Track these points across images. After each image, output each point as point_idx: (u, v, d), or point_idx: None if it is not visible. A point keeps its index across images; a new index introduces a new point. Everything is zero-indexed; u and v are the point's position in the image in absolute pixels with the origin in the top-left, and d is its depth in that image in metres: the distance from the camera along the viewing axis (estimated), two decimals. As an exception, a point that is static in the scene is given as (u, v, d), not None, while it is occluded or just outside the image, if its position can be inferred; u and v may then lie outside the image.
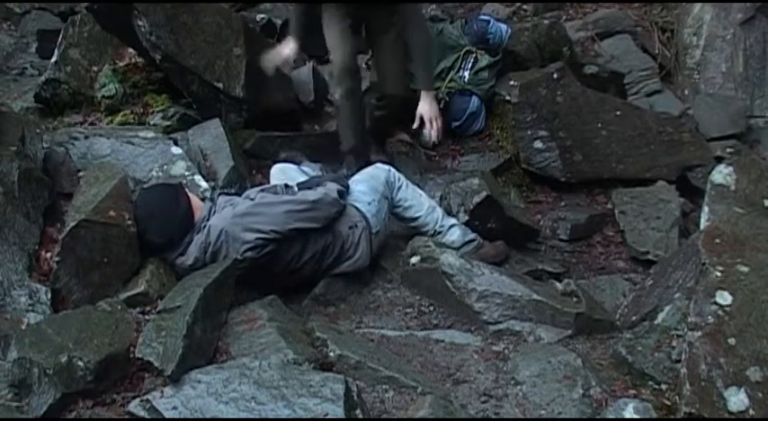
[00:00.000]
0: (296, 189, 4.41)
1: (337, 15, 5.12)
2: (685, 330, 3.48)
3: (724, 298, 3.46)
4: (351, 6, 5.12)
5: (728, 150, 6.56)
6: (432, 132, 5.13)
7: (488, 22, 6.27)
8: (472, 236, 4.77)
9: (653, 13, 8.39)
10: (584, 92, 6.18)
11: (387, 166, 4.78)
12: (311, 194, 4.29)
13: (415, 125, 5.16)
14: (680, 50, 7.80)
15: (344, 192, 4.42)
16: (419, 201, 4.74)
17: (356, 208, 4.44)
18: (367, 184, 4.58)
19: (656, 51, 7.90)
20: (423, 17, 5.59)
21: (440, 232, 4.70)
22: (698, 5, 7.70)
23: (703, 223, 4.12)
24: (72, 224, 3.76)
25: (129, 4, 4.91)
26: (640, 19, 8.30)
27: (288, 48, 5.17)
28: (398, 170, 4.84)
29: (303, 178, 4.64)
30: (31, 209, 4.04)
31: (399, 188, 4.71)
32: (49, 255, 3.86)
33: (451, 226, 4.73)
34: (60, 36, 5.62)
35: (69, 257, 3.73)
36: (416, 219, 4.72)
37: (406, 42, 5.15)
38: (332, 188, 4.35)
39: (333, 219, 4.31)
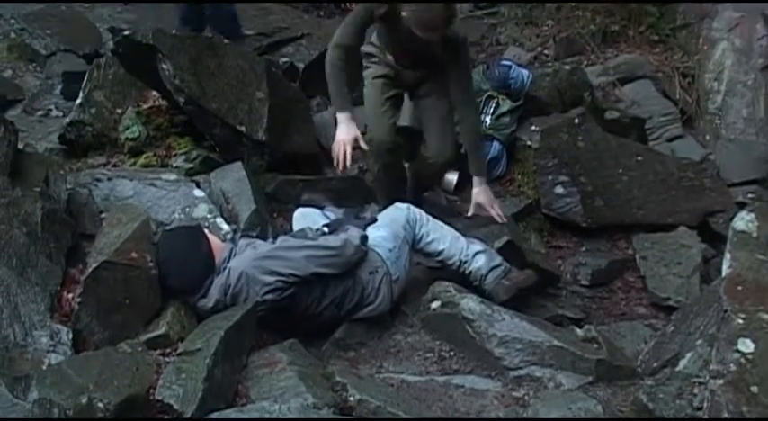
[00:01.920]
0: (317, 233, 4.42)
1: (382, 86, 5.10)
2: (707, 378, 3.45)
3: (746, 345, 3.43)
4: (400, 78, 5.13)
5: (750, 195, 6.54)
6: (495, 215, 5.09)
7: (510, 67, 6.29)
8: (498, 261, 4.71)
9: (674, 58, 8.40)
10: (605, 137, 6.19)
11: (405, 205, 4.75)
12: (333, 240, 4.28)
13: (471, 213, 5.15)
14: (701, 95, 7.81)
15: (367, 238, 4.41)
16: (441, 234, 4.71)
17: (377, 253, 4.43)
18: (388, 230, 4.56)
19: (677, 96, 7.90)
20: (474, 96, 5.43)
21: (465, 261, 4.66)
22: (719, 51, 7.72)
23: (725, 270, 4.10)
24: (94, 265, 3.78)
25: (153, 47, 4.97)
26: (661, 64, 8.31)
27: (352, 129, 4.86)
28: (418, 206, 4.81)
29: (325, 222, 4.64)
30: (53, 249, 4.06)
31: (420, 224, 4.68)
32: (71, 295, 3.86)
33: (476, 253, 4.68)
34: (85, 78, 5.67)
35: (91, 298, 3.74)
36: (441, 252, 4.69)
37: (458, 123, 5.13)
38: (354, 235, 4.34)
39: (353, 265, 4.31)
